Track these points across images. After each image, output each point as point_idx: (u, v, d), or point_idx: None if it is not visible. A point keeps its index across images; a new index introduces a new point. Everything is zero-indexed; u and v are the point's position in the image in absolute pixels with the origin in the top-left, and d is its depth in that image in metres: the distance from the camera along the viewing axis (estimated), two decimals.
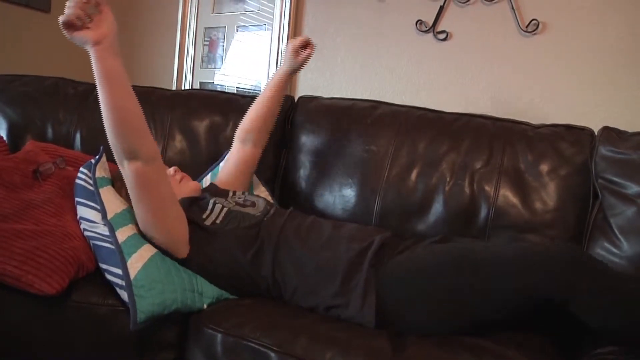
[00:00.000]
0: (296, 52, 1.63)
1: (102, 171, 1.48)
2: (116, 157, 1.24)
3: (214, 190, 1.58)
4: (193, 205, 1.42)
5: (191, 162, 1.84)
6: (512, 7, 1.96)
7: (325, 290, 1.25)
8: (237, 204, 1.47)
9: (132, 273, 1.20)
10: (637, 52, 1.81)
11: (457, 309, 1.16)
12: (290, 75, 1.69)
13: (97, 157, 1.51)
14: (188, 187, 1.53)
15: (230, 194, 1.55)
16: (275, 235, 1.33)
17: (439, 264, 1.21)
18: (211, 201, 1.43)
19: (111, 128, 1.20)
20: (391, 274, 1.23)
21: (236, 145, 1.69)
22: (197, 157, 1.85)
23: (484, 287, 1.14)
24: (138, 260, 1.23)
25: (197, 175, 1.74)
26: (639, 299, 1.08)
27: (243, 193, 1.57)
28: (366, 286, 1.22)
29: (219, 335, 1.16)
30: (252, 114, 1.69)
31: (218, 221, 1.38)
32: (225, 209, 1.41)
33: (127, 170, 1.23)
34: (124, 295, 1.18)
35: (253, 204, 1.48)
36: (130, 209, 1.39)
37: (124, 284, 1.19)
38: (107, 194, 1.41)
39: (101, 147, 1.51)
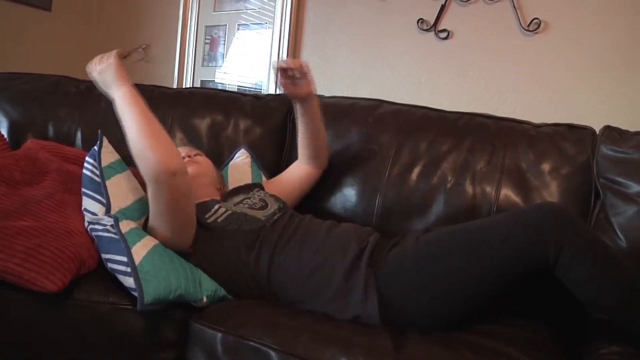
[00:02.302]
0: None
1: (108, 158, 1.46)
2: (146, 173, 1.25)
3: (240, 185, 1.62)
4: (197, 208, 1.41)
5: None
6: (514, 6, 1.96)
7: (323, 294, 1.25)
8: (248, 205, 1.46)
9: (137, 259, 1.20)
10: (638, 51, 1.81)
11: (455, 290, 1.18)
12: (302, 105, 1.55)
13: (98, 143, 1.48)
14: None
15: (255, 189, 1.57)
16: (273, 242, 1.33)
17: (430, 249, 1.24)
18: (216, 205, 1.43)
19: (140, 141, 1.25)
20: (387, 269, 1.24)
21: (297, 161, 1.70)
22: None
23: (476, 258, 1.17)
24: (142, 248, 1.23)
25: None
26: (622, 266, 1.12)
27: (265, 193, 1.56)
28: (366, 284, 1.22)
29: (219, 335, 1.15)
30: (305, 134, 1.63)
31: (219, 220, 1.38)
32: (228, 212, 1.40)
33: (159, 184, 1.23)
34: (129, 281, 1.18)
35: (264, 207, 1.47)
36: (136, 204, 1.39)
37: (128, 270, 1.18)
38: (114, 187, 1.39)
39: (99, 131, 1.49)
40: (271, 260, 1.30)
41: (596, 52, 1.87)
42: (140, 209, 1.41)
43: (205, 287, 1.27)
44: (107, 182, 1.38)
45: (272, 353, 1.09)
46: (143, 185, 1.52)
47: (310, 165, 1.67)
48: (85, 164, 1.43)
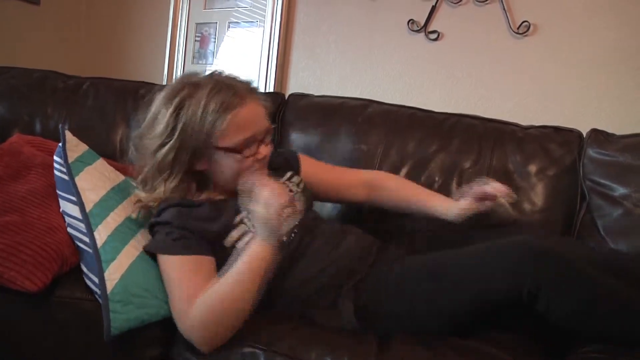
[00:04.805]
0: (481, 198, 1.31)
1: (75, 152, 1.35)
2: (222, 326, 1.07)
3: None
4: (218, 219, 1.19)
5: None
6: (504, 9, 1.97)
7: (310, 313, 1.21)
8: None
9: (109, 286, 1.13)
10: (626, 55, 1.83)
11: (432, 318, 1.14)
12: (446, 213, 1.36)
13: (61, 139, 1.35)
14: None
15: (289, 174, 1.37)
16: (278, 267, 1.18)
17: (405, 283, 1.17)
18: (238, 219, 1.20)
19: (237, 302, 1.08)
20: (368, 290, 1.19)
21: (359, 177, 1.50)
22: None
23: (452, 296, 1.11)
24: (117, 269, 1.15)
25: None
26: (612, 295, 1.05)
27: (299, 184, 1.36)
28: (345, 300, 1.19)
29: None
30: (397, 200, 1.47)
31: (238, 245, 1.18)
32: (251, 234, 1.17)
33: (184, 321, 1.08)
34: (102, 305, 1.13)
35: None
36: (112, 192, 1.31)
37: (100, 293, 1.13)
38: (86, 181, 1.30)
39: (60, 126, 1.38)
40: (270, 285, 1.20)
41: (584, 56, 1.88)
42: (117, 195, 1.33)
43: None
44: (76, 178, 1.29)
45: (259, 352, 1.08)
46: (121, 170, 1.42)
47: (361, 199, 1.49)
48: (55, 165, 1.35)
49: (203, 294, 1.07)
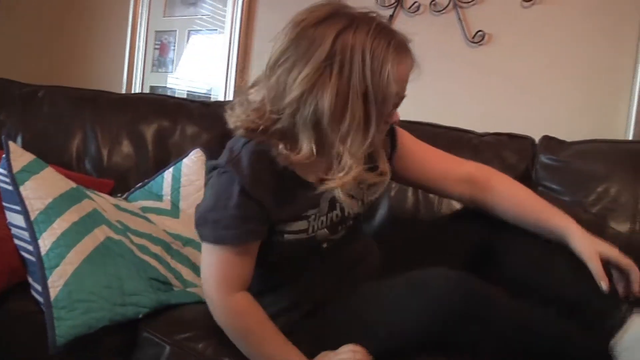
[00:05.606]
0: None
1: (19, 162, 1.32)
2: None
3: None
4: (295, 202, 1.03)
5: (137, 166, 1.82)
6: (459, 18, 2.01)
7: None
8: (338, 216, 1.11)
9: (53, 293, 1.12)
10: (576, 63, 1.89)
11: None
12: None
13: (5, 150, 1.33)
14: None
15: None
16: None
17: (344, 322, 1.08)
18: (305, 219, 1.05)
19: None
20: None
21: (461, 169, 1.24)
22: (144, 162, 1.82)
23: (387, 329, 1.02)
24: (61, 276, 1.14)
25: (144, 177, 1.72)
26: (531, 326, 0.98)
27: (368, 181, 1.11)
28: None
29: (167, 347, 1.12)
30: (509, 212, 1.18)
31: (289, 239, 1.05)
32: (303, 235, 1.06)
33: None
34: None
35: (344, 220, 1.13)
36: (60, 199, 1.28)
37: (44, 301, 1.12)
38: (32, 190, 1.28)
39: (2, 137, 1.35)
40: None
41: (537, 65, 1.93)
42: (65, 202, 1.30)
43: (142, 304, 1.20)
44: (21, 188, 1.27)
45: None
46: (73, 179, 1.40)
47: (459, 198, 1.26)
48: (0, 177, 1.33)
49: (245, 312, 1.02)
